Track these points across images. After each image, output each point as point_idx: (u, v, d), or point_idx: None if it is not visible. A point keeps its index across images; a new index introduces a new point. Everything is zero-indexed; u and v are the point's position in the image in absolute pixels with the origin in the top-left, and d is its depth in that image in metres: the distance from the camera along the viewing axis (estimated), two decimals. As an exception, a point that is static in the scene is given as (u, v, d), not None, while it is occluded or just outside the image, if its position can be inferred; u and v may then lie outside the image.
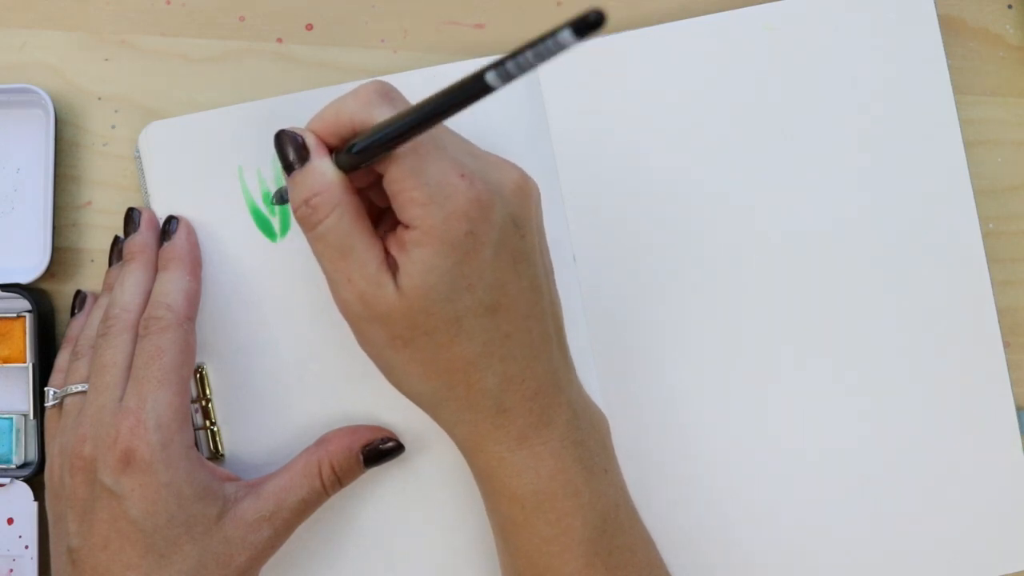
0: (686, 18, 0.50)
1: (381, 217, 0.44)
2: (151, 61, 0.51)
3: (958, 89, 0.51)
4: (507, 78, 0.33)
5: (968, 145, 0.51)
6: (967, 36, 0.53)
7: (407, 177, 0.39)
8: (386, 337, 0.41)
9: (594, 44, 0.50)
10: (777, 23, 0.50)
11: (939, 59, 0.51)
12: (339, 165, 0.41)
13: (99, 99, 0.51)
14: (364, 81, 0.42)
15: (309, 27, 0.52)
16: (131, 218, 0.48)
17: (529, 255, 0.41)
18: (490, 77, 0.33)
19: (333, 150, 0.42)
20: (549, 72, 0.49)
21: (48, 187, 0.49)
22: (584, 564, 0.42)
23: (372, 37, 0.52)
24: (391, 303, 0.40)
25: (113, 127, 0.51)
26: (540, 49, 0.31)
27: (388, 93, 0.41)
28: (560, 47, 0.30)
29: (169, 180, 0.48)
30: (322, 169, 0.41)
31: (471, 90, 0.34)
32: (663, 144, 0.50)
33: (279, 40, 0.52)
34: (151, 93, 0.51)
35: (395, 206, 0.40)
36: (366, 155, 0.40)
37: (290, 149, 0.42)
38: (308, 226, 0.41)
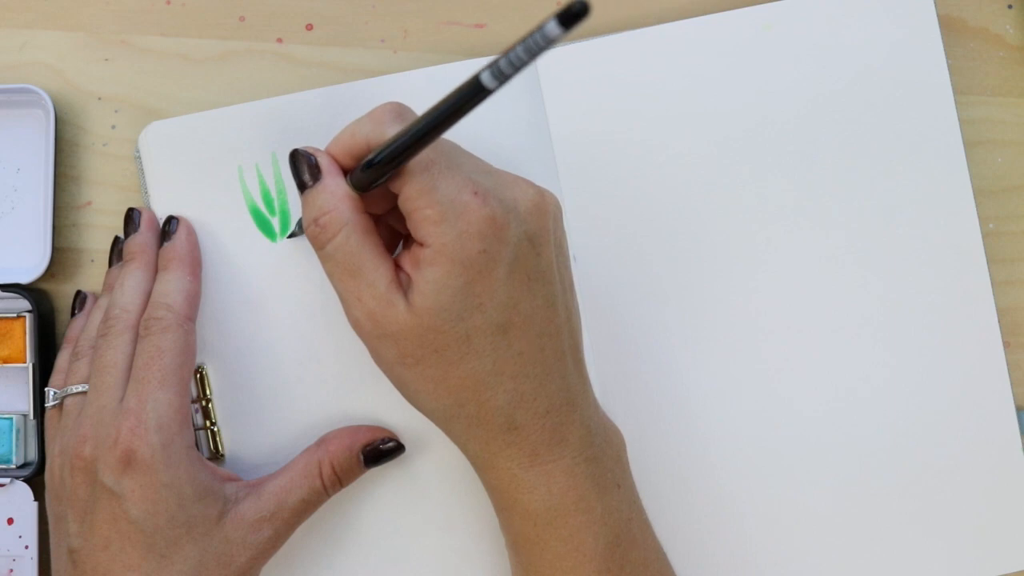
0: (686, 18, 0.50)
1: (399, 237, 0.44)
2: (151, 61, 0.51)
3: (958, 89, 0.51)
4: (502, 77, 0.33)
5: (968, 145, 0.51)
6: (967, 36, 0.53)
7: (421, 195, 0.39)
8: (396, 355, 0.41)
9: (594, 44, 0.50)
10: (777, 23, 0.50)
11: (939, 59, 0.51)
12: (354, 185, 0.41)
13: (99, 99, 0.51)
14: (382, 103, 0.42)
15: (309, 27, 0.52)
16: (131, 218, 0.48)
17: (545, 272, 0.41)
18: (485, 78, 0.33)
19: (349, 172, 0.42)
20: (549, 73, 0.49)
21: (48, 187, 0.49)
22: None
23: (372, 37, 0.52)
24: (401, 321, 0.40)
25: (113, 127, 0.51)
26: (529, 44, 0.31)
27: (402, 113, 0.41)
28: (548, 40, 0.30)
29: (169, 180, 0.48)
30: (332, 188, 0.41)
31: (469, 94, 0.34)
32: (663, 144, 0.50)
33: (279, 40, 0.52)
34: (151, 93, 0.51)
35: (409, 224, 0.40)
36: (378, 171, 0.40)
37: (304, 168, 0.42)
38: (318, 245, 0.41)
